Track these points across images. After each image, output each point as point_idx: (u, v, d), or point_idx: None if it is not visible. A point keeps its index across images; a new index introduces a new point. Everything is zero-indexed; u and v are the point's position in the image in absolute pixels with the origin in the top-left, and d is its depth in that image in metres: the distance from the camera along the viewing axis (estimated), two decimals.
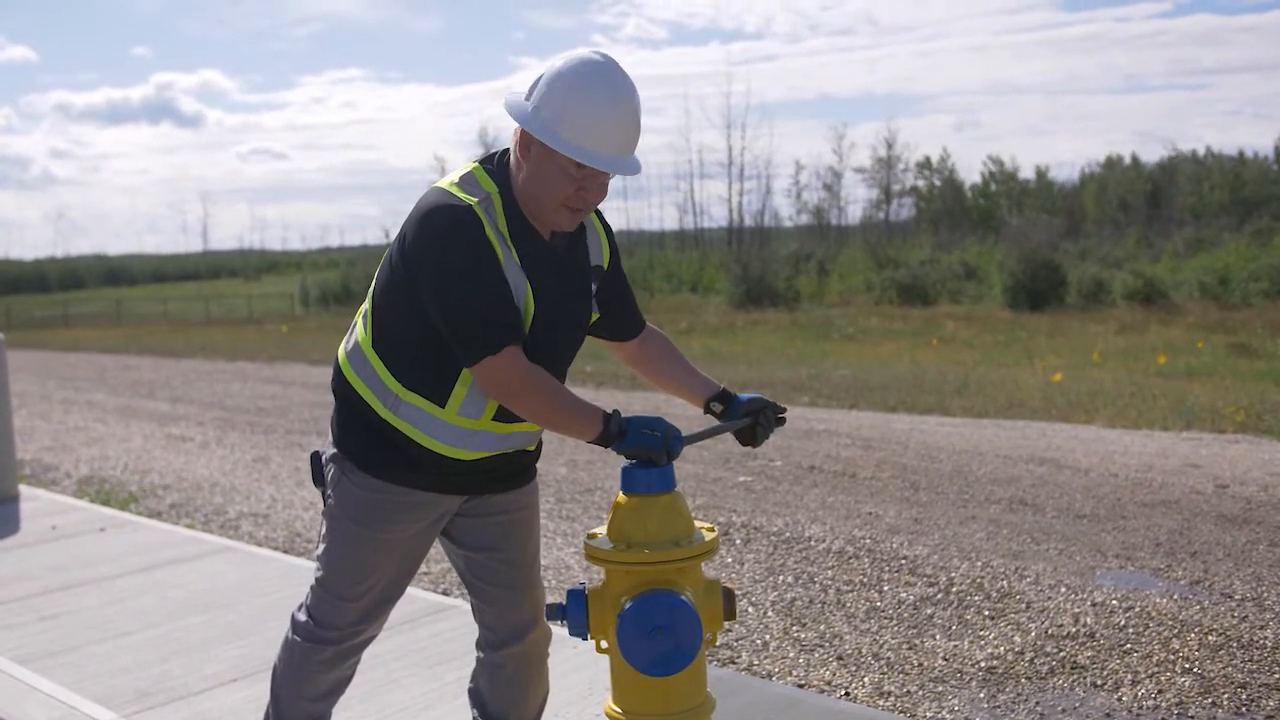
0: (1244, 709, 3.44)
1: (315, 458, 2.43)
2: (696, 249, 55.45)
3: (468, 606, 4.32)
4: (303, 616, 2.45)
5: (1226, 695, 3.54)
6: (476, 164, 2.27)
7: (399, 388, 2.25)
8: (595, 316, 2.45)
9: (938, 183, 69.42)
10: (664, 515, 2.22)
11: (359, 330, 2.36)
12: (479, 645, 2.59)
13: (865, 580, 4.86)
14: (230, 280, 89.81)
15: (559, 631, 3.90)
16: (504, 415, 2.29)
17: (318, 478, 2.42)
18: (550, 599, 4.74)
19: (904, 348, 19.57)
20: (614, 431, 2.20)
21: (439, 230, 2.14)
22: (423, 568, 4.89)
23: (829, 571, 5.02)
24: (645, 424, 2.21)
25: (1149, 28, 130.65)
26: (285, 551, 5.53)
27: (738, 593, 4.64)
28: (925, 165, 69.99)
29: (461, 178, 2.24)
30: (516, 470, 2.45)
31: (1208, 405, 10.16)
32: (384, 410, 2.27)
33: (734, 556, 5.30)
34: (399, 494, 2.31)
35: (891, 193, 67.31)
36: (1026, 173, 72.59)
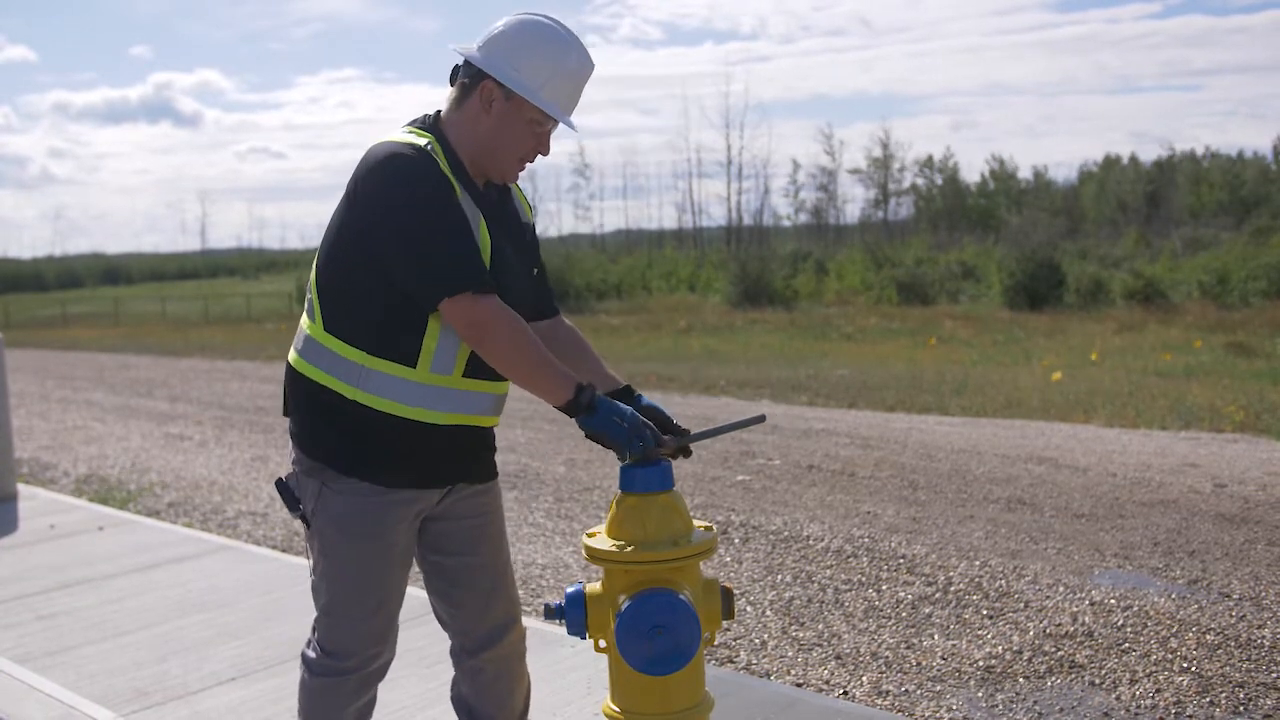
0: (1242, 708, 3.45)
1: (282, 484, 2.36)
2: (695, 248, 55.47)
3: None
4: (314, 653, 2.38)
5: (1224, 694, 3.54)
6: (407, 126, 2.31)
7: (365, 358, 2.21)
8: (536, 270, 2.46)
9: (939, 181, 69.43)
10: (662, 514, 2.22)
11: (306, 327, 2.32)
12: (454, 653, 2.55)
13: (864, 579, 4.86)
14: (228, 279, 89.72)
15: (557, 631, 3.90)
16: (474, 371, 2.26)
17: (291, 503, 2.34)
18: (549, 599, 4.76)
19: (903, 347, 19.57)
20: (584, 403, 2.18)
21: (399, 171, 2.15)
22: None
23: (827, 571, 5.02)
24: (618, 412, 2.20)
25: (1139, 29, 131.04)
26: (284, 550, 5.52)
27: (736, 592, 4.64)
28: (927, 164, 70.04)
29: (399, 135, 2.26)
30: (481, 447, 2.41)
31: (1206, 405, 10.17)
32: (351, 390, 2.22)
33: (732, 555, 5.30)
34: (383, 494, 2.27)
35: (889, 192, 67.36)
36: (1023, 173, 72.69)
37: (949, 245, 45.44)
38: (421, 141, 2.21)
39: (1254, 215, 45.74)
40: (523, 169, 2.33)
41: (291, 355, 2.37)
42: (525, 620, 4.18)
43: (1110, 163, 70.60)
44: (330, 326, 2.25)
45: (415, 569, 2.49)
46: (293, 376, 2.33)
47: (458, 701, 2.59)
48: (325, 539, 2.31)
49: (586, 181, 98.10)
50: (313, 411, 2.29)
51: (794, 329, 24.65)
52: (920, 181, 70.02)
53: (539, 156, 2.32)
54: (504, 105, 2.22)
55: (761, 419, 2.41)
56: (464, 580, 2.46)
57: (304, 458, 2.31)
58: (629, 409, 2.22)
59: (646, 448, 2.19)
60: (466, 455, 2.36)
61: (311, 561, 2.37)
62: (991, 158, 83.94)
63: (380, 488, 2.26)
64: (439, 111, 2.33)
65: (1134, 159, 69.16)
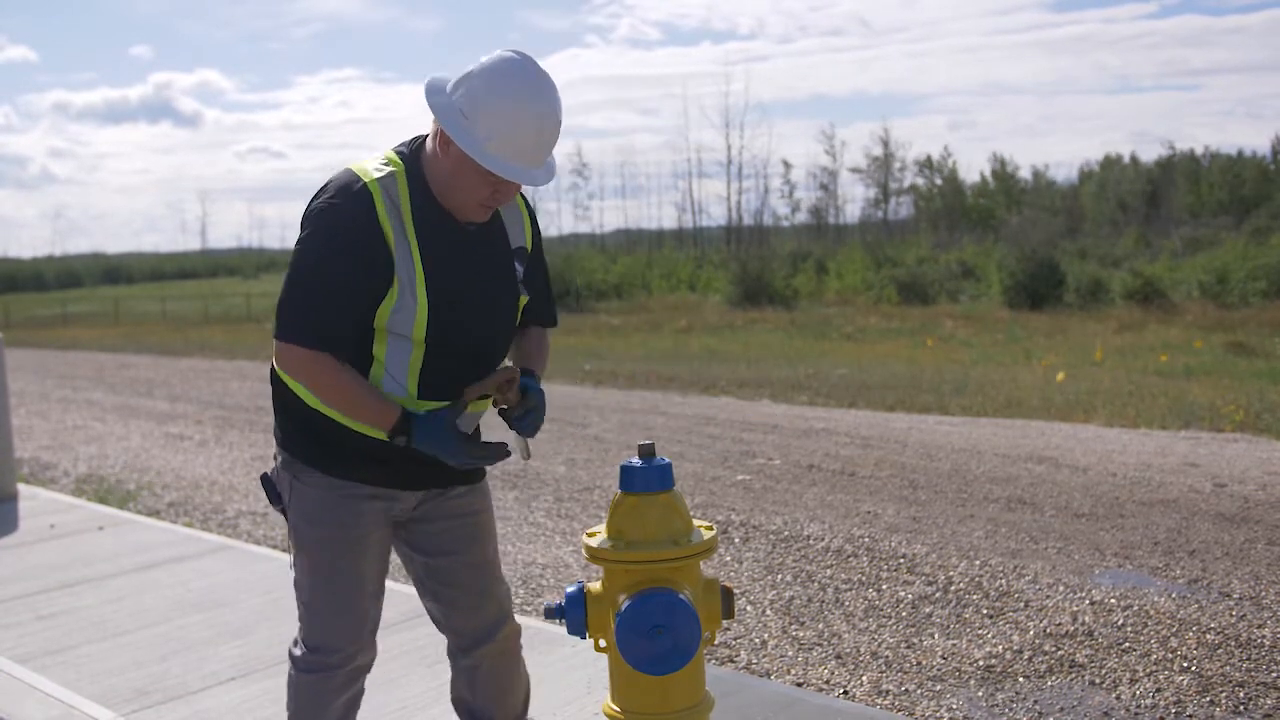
0: (1241, 707, 3.45)
1: (266, 478, 2.42)
2: (695, 248, 55.45)
3: None
4: (299, 651, 2.42)
5: (1224, 694, 3.54)
6: (391, 150, 2.30)
7: None
8: (524, 299, 2.43)
9: (939, 181, 69.40)
10: (662, 514, 2.22)
11: None
12: (450, 653, 2.57)
13: (864, 579, 4.86)
14: (229, 279, 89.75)
15: (558, 630, 3.90)
16: (429, 393, 2.28)
17: (274, 497, 2.41)
18: (549, 598, 4.75)
19: (903, 347, 19.57)
20: (399, 439, 2.22)
21: (319, 211, 2.19)
22: None
23: (827, 570, 5.02)
24: (432, 440, 2.21)
25: (1137, 29, 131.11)
26: (284, 550, 5.52)
27: (736, 591, 4.64)
28: (926, 164, 70.00)
29: (371, 160, 2.27)
30: (466, 475, 2.42)
31: (1206, 404, 10.17)
32: (314, 399, 2.27)
33: (732, 555, 5.30)
34: (352, 488, 2.30)
35: (889, 192, 67.34)
36: (1023, 172, 72.64)
37: (949, 245, 45.45)
38: (377, 175, 2.20)
39: (1254, 215, 45.72)
40: (486, 213, 2.26)
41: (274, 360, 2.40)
42: (525, 620, 4.18)
43: (1110, 162, 70.57)
44: None
45: (403, 569, 2.49)
46: (272, 375, 2.38)
47: (458, 703, 2.61)
48: (298, 532, 2.37)
49: (585, 181, 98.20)
50: (284, 410, 2.36)
51: (794, 328, 24.65)
52: (920, 181, 70.02)
53: (509, 199, 2.25)
54: (459, 151, 2.15)
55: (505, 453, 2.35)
56: (455, 580, 2.47)
57: (280, 451, 2.38)
58: (448, 429, 2.23)
59: (454, 458, 2.24)
60: (437, 463, 2.35)
61: (291, 557, 2.43)
62: (991, 157, 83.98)
63: (345, 481, 2.30)
64: (425, 137, 2.31)
65: (1134, 158, 69.15)
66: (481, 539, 2.50)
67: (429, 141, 2.26)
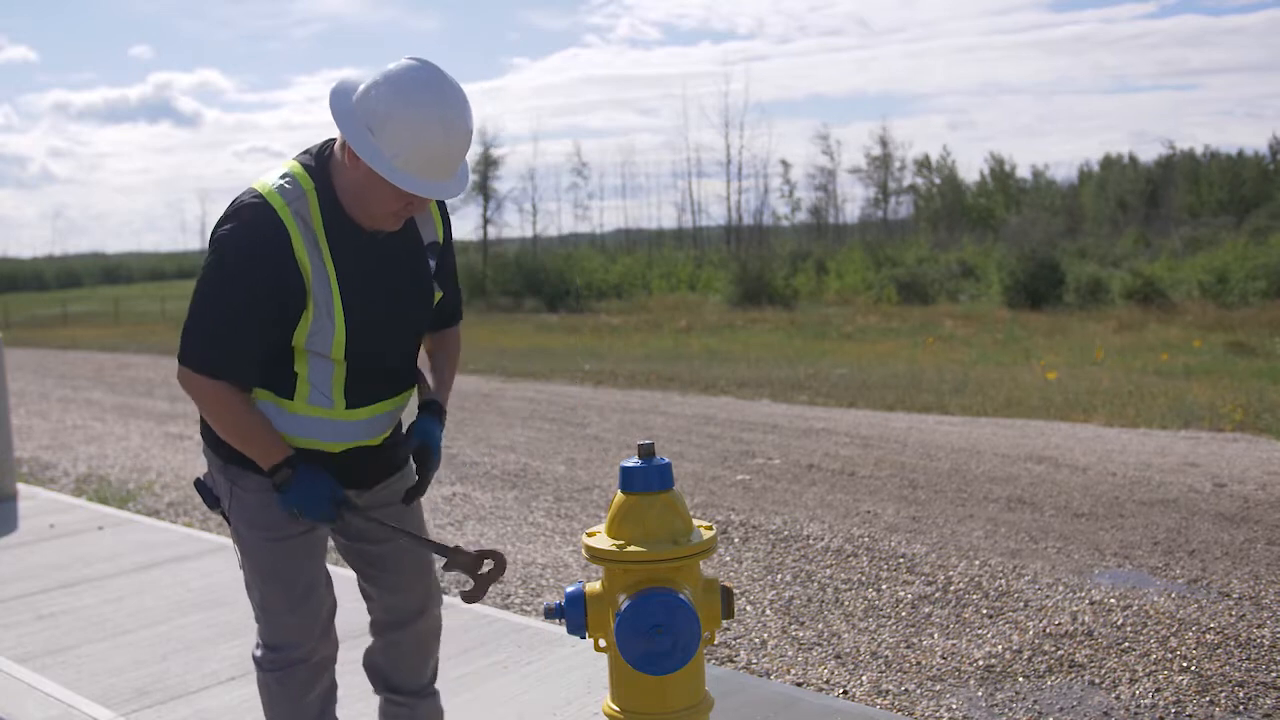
0: (1241, 707, 3.45)
1: (200, 483, 2.43)
2: (695, 248, 55.44)
3: (464, 605, 4.33)
4: (260, 653, 2.45)
5: (1224, 693, 3.54)
6: (298, 161, 2.25)
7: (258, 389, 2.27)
8: (439, 295, 2.43)
9: (938, 181, 69.36)
10: (662, 514, 2.22)
11: None
12: (374, 629, 2.61)
13: (863, 579, 4.86)
14: None
15: (557, 630, 3.90)
16: (358, 400, 2.30)
17: (211, 501, 2.42)
18: (549, 598, 4.75)
19: (902, 346, 19.57)
20: (277, 481, 2.24)
21: (231, 232, 2.16)
22: None
23: (827, 570, 5.02)
24: (292, 502, 2.24)
25: (1135, 29, 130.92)
26: None
27: (736, 591, 4.64)
28: (925, 164, 69.95)
29: (280, 177, 2.21)
30: (379, 456, 2.45)
31: (1206, 404, 10.17)
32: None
33: (732, 555, 5.30)
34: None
35: (889, 191, 67.30)
36: (1022, 172, 72.62)
37: (949, 244, 45.46)
38: (287, 200, 2.16)
39: (1254, 214, 45.70)
40: (398, 222, 2.21)
41: None
42: (526, 620, 4.19)
43: (1110, 162, 70.53)
44: None
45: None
46: None
47: (371, 668, 2.65)
48: (243, 538, 2.39)
49: (585, 181, 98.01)
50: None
51: (794, 328, 24.66)
52: (919, 181, 69.96)
53: (421, 210, 2.22)
54: (367, 165, 2.09)
55: (445, 555, 2.40)
56: (386, 564, 2.53)
57: (214, 455, 2.38)
58: (325, 489, 2.25)
59: (318, 519, 2.28)
60: (362, 467, 2.41)
61: (239, 560, 2.44)
62: (990, 157, 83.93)
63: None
64: (334, 144, 2.24)
65: (1133, 158, 69.11)
66: (410, 522, 2.54)
67: (337, 150, 2.20)
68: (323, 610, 2.46)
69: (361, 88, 2.10)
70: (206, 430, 2.38)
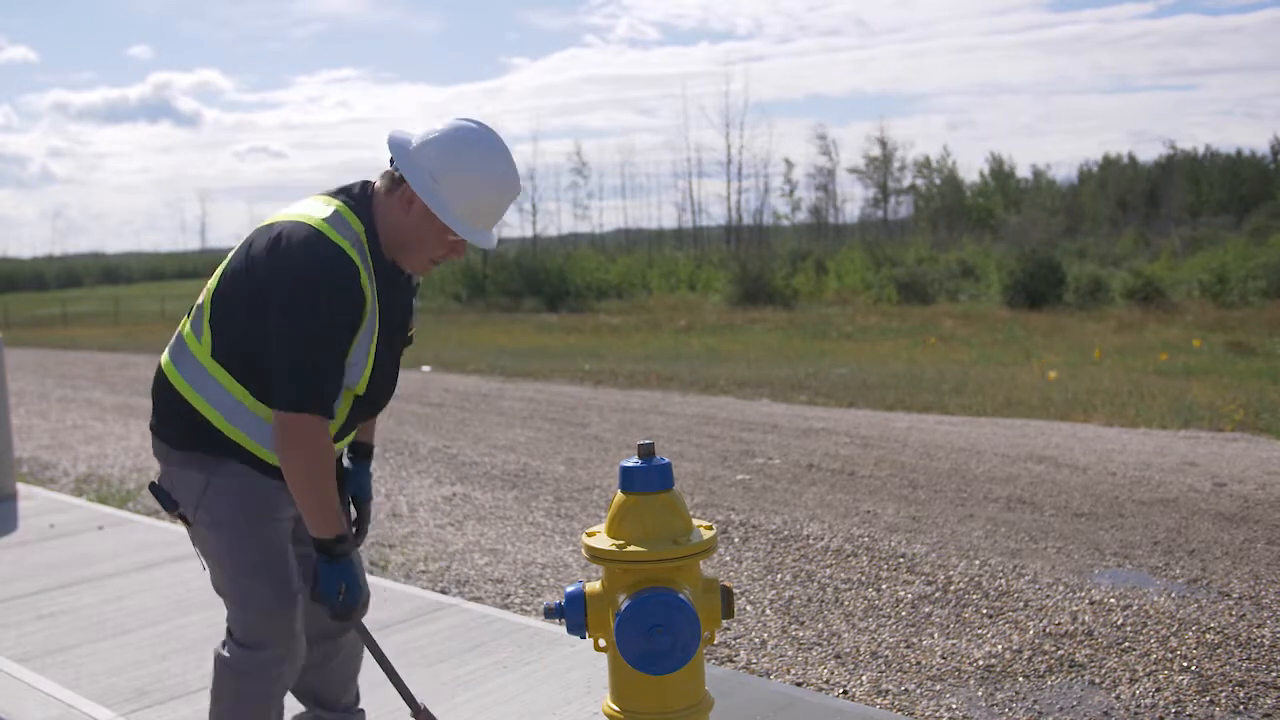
0: (1241, 707, 3.45)
1: (155, 487, 2.40)
2: (695, 247, 55.44)
3: (466, 605, 4.33)
4: (229, 653, 2.42)
5: (1224, 693, 3.54)
6: (339, 201, 2.29)
7: (248, 397, 2.27)
8: (412, 332, 2.55)
9: (938, 181, 69.37)
10: (662, 513, 2.22)
11: (191, 347, 2.34)
12: (309, 638, 2.59)
13: (863, 578, 4.86)
14: None
15: (557, 630, 3.90)
16: (343, 432, 2.38)
17: (168, 504, 2.38)
18: (549, 598, 4.75)
19: (902, 346, 19.57)
20: (336, 552, 2.27)
21: (317, 275, 2.17)
22: (421, 566, 4.93)
23: (827, 570, 5.02)
24: (346, 576, 2.29)
25: (1134, 29, 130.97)
26: None
27: (736, 591, 4.64)
28: (925, 164, 69.95)
29: (329, 218, 2.24)
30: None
31: (1206, 404, 10.17)
32: (224, 423, 2.28)
33: (732, 555, 5.30)
34: (266, 478, 2.32)
35: (888, 191, 67.29)
36: (1022, 172, 72.61)
37: (948, 244, 45.47)
38: (349, 242, 2.21)
39: (1254, 214, 45.71)
40: (433, 268, 2.38)
41: (165, 361, 2.39)
42: (526, 619, 4.19)
43: (1109, 162, 70.56)
44: (219, 356, 2.29)
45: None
46: (168, 391, 2.35)
47: (301, 691, 2.67)
48: (220, 530, 2.34)
49: (585, 181, 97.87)
50: (184, 420, 2.33)
51: (794, 328, 24.65)
52: (919, 181, 69.96)
53: (458, 259, 2.37)
54: (422, 210, 2.23)
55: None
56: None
57: (174, 451, 2.34)
58: (359, 585, 2.32)
59: (346, 611, 2.32)
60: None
61: (203, 560, 2.42)
62: (990, 157, 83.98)
63: (260, 473, 2.32)
64: (373, 186, 2.33)
65: (1133, 158, 69.15)
66: (358, 527, 2.61)
67: (383, 195, 2.29)
68: (297, 607, 2.42)
69: (419, 140, 2.25)
70: (162, 424, 2.36)
